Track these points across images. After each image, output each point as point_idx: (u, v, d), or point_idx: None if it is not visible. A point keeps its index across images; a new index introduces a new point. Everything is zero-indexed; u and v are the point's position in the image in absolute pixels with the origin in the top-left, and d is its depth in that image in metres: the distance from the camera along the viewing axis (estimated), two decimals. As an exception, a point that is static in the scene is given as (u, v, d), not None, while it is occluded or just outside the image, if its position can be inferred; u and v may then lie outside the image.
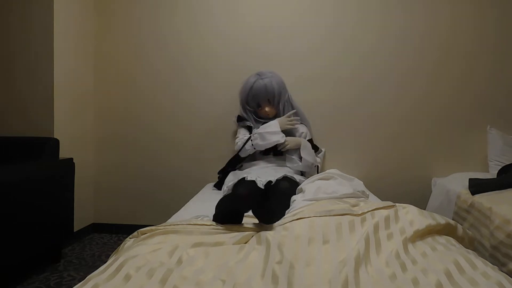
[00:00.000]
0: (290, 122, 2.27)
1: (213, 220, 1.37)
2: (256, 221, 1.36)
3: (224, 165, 2.43)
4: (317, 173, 2.28)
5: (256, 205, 1.32)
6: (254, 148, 2.23)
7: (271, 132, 2.19)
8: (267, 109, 2.32)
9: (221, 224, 1.34)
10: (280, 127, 2.21)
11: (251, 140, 2.23)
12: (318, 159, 2.42)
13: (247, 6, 2.65)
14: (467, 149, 2.61)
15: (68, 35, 2.46)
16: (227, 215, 1.35)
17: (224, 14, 2.65)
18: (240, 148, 2.27)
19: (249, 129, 2.36)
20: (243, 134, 2.34)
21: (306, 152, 2.22)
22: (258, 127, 2.33)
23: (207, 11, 2.66)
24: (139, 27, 2.71)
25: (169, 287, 0.93)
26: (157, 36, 2.70)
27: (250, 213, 1.40)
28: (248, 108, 2.35)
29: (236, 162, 2.34)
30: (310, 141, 2.41)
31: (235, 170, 2.29)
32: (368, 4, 2.59)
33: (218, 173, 2.42)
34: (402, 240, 1.19)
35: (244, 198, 1.48)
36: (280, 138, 2.18)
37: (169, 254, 1.10)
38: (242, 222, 1.37)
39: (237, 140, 2.33)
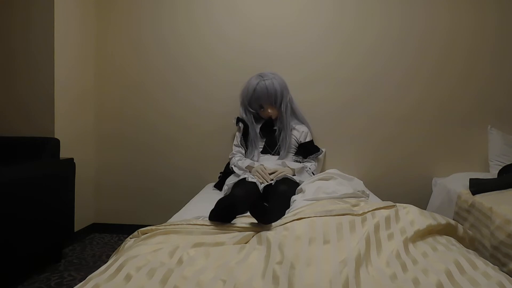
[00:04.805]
0: (262, 179, 2.07)
1: (209, 219, 1.40)
2: (256, 221, 1.36)
3: (224, 166, 2.43)
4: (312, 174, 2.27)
5: (253, 205, 1.32)
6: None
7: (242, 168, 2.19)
8: (269, 110, 2.32)
9: (215, 221, 1.37)
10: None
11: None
12: (314, 166, 2.38)
13: (247, 6, 2.65)
14: (467, 149, 2.60)
15: (69, 34, 2.46)
16: (219, 213, 1.38)
17: (224, 13, 2.65)
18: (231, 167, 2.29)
19: (245, 132, 2.36)
20: (237, 142, 2.39)
21: (303, 176, 2.17)
22: (258, 128, 2.35)
23: (207, 11, 2.66)
24: (139, 27, 2.71)
25: (170, 287, 0.93)
26: (157, 35, 2.70)
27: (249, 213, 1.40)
28: (250, 109, 2.35)
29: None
30: (311, 142, 2.41)
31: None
32: (368, 4, 2.59)
33: (220, 173, 2.43)
34: (403, 240, 1.20)
35: (241, 198, 1.49)
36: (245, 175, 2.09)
37: (170, 254, 1.10)
38: (242, 222, 1.38)
39: (230, 156, 2.35)
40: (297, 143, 2.38)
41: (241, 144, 2.37)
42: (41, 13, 2.31)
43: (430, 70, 2.59)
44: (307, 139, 2.40)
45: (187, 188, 2.66)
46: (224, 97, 2.66)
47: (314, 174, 2.27)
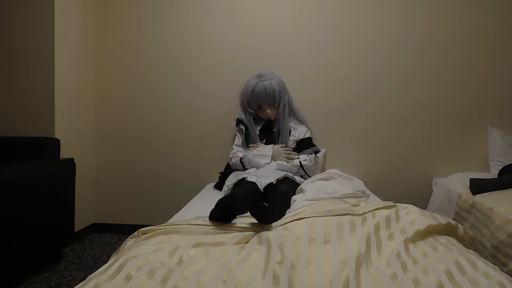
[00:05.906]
0: (288, 156, 2.23)
1: (209, 219, 1.40)
2: (256, 221, 1.36)
3: (224, 166, 2.43)
4: (303, 170, 2.26)
5: (254, 205, 1.32)
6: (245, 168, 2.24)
7: (260, 155, 2.19)
8: (268, 111, 2.33)
9: (215, 221, 1.37)
10: (274, 157, 2.20)
11: (242, 163, 2.25)
12: (305, 156, 2.35)
13: (247, 6, 2.65)
14: (468, 149, 2.60)
15: (69, 34, 2.46)
16: (219, 213, 1.38)
17: (224, 13, 2.65)
18: (233, 165, 2.30)
19: (246, 133, 2.35)
20: (238, 142, 2.38)
21: (284, 167, 2.19)
22: (257, 129, 2.34)
23: (207, 11, 2.66)
24: (139, 27, 2.71)
25: (170, 287, 0.93)
26: (157, 35, 2.70)
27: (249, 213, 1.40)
28: (249, 110, 2.35)
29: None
30: (309, 139, 2.40)
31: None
32: (368, 4, 2.59)
33: (220, 173, 2.42)
34: (403, 240, 1.19)
35: (241, 198, 1.49)
36: (267, 161, 2.17)
37: (170, 254, 1.10)
38: (243, 222, 1.38)
39: (231, 155, 2.35)
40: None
41: (242, 145, 2.37)
42: (41, 13, 2.31)
43: (430, 70, 2.59)
44: (306, 136, 2.39)
45: (187, 188, 2.66)
46: (224, 97, 2.66)
47: (301, 164, 2.24)
